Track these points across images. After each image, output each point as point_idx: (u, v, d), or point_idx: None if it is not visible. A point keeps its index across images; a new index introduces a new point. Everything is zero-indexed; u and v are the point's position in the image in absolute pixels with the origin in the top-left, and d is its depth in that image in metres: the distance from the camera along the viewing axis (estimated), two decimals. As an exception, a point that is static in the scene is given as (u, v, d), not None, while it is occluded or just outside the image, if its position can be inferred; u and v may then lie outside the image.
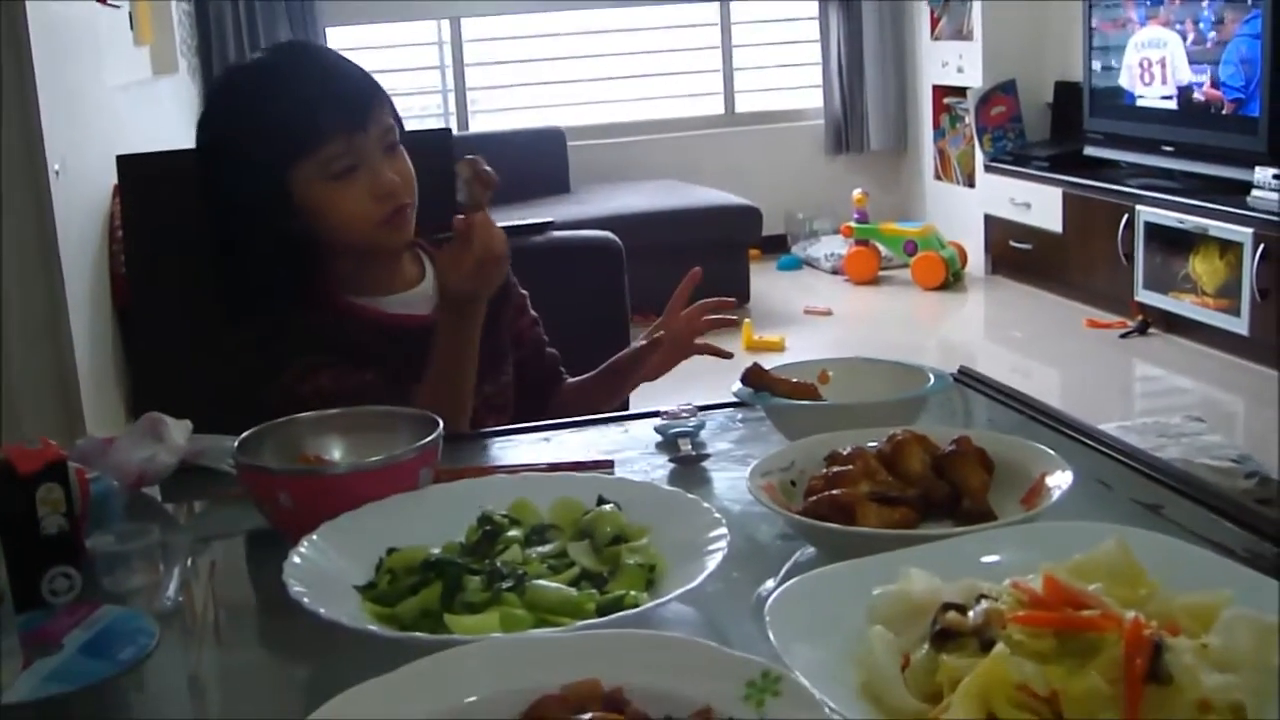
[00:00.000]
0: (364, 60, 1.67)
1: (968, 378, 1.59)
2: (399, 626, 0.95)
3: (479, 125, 6.85)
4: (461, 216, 1.51)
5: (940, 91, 6.59)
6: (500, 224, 1.55)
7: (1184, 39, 5.02)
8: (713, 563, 0.97)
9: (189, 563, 1.17)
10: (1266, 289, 4.38)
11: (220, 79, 1.74)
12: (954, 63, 6.38)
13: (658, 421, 1.44)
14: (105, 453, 1.30)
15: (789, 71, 7.14)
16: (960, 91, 6.38)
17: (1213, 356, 4.75)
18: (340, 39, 6.39)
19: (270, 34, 6.13)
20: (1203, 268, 4.72)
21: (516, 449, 1.48)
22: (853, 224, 6.33)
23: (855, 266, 6.26)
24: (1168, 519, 1.14)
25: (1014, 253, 5.98)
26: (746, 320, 5.24)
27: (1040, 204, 5.71)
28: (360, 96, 1.58)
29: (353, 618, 0.94)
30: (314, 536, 1.04)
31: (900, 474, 1.11)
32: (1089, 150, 5.58)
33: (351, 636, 0.91)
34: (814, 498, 1.08)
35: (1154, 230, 4.96)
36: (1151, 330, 5.07)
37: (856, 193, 6.34)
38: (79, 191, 3.27)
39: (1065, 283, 5.66)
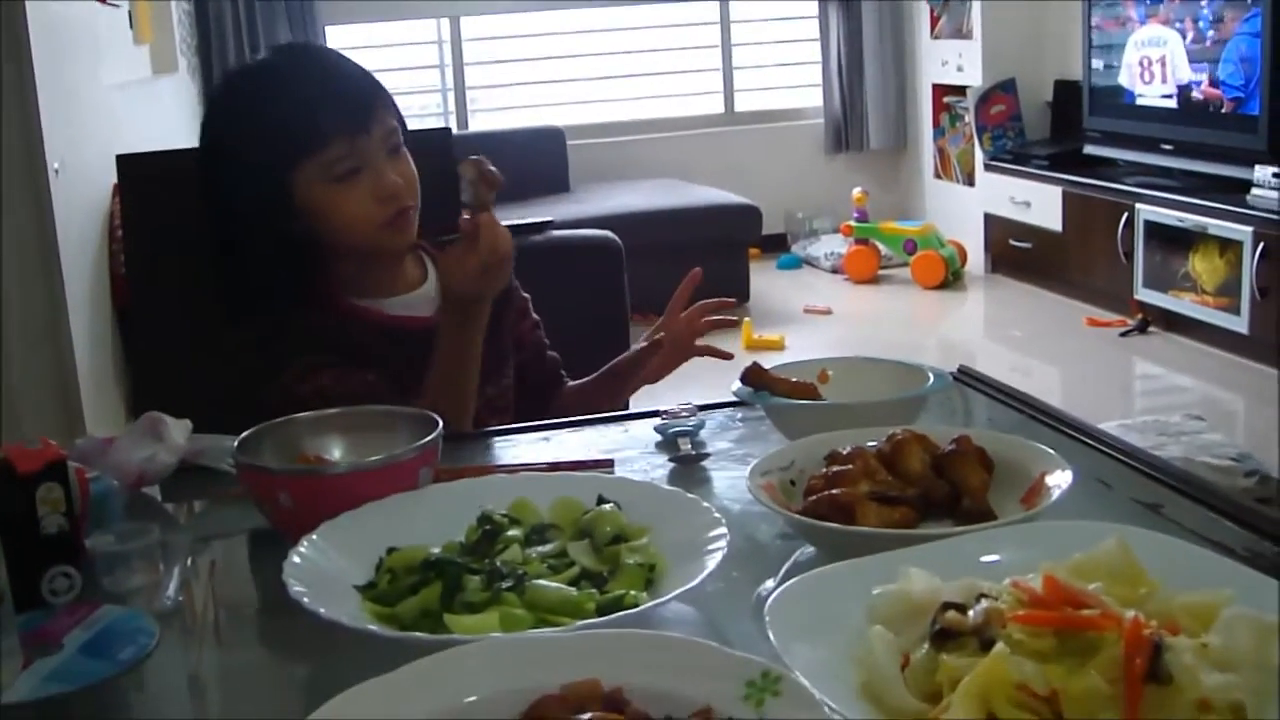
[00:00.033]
0: (363, 59, 1.67)
1: (967, 377, 1.59)
2: (399, 626, 0.95)
3: (478, 124, 6.85)
4: (467, 217, 1.50)
5: (940, 90, 6.59)
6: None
7: (1183, 37, 5.02)
8: (712, 562, 0.97)
9: (189, 562, 1.17)
10: (1266, 287, 4.38)
11: (223, 81, 1.74)
12: (954, 61, 6.38)
13: (657, 421, 1.44)
14: (105, 452, 1.30)
15: (788, 70, 7.14)
16: (960, 90, 6.38)
17: (1212, 355, 4.75)
18: (340, 38, 6.40)
19: (270, 33, 6.13)
20: (1202, 266, 4.72)
21: (516, 448, 1.48)
22: (852, 223, 6.33)
23: (855, 265, 6.26)
24: (1168, 518, 1.14)
25: (1014, 251, 5.98)
26: (746, 319, 5.24)
27: (1040, 203, 5.71)
28: (363, 98, 1.58)
29: (353, 617, 0.94)
30: (314, 536, 1.04)
31: (900, 473, 1.11)
32: (1089, 149, 5.58)
33: (351, 636, 0.91)
34: (814, 497, 1.08)
35: (1154, 229, 4.97)
36: (1151, 329, 5.07)
37: (856, 192, 6.34)
38: (79, 191, 3.27)
39: (1065, 281, 5.66)
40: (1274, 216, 4.36)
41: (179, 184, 1.83)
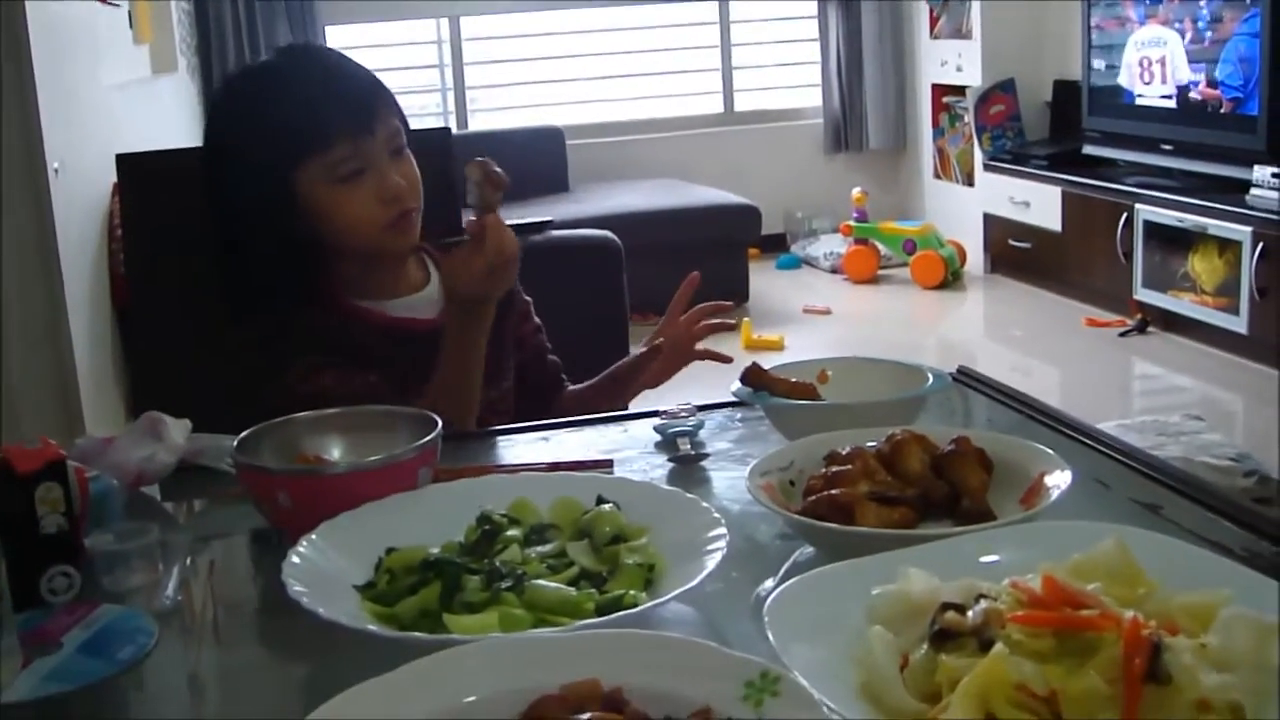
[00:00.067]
0: (363, 59, 1.67)
1: (967, 377, 1.59)
2: (398, 626, 0.95)
3: (478, 124, 6.85)
4: (472, 219, 1.51)
5: (939, 90, 6.59)
6: (499, 224, 1.56)
7: (1182, 37, 5.02)
8: (712, 562, 0.97)
9: (188, 562, 1.17)
10: (1265, 287, 4.38)
11: (227, 82, 1.74)
12: (953, 61, 6.39)
13: (657, 421, 1.44)
14: (104, 452, 1.30)
15: (788, 70, 7.14)
16: (959, 90, 6.38)
17: (1212, 355, 4.75)
18: (339, 38, 6.40)
19: (270, 33, 6.14)
20: (1202, 266, 4.72)
21: (516, 448, 1.48)
22: (852, 223, 6.33)
23: (854, 265, 6.26)
24: (1166, 518, 1.14)
25: (1013, 251, 5.98)
26: (746, 319, 5.24)
27: (1039, 203, 5.71)
28: (367, 100, 1.58)
29: (352, 617, 0.94)
30: (313, 536, 1.04)
31: (899, 474, 1.11)
32: (1088, 149, 5.58)
33: (350, 636, 0.91)
34: (813, 497, 1.08)
35: (1153, 229, 4.97)
36: (1150, 329, 5.07)
37: (855, 192, 6.34)
38: (78, 190, 3.27)
39: (1064, 281, 5.66)
40: (1273, 217, 4.36)
41: (179, 184, 1.83)
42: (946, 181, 6.65)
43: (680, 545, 1.02)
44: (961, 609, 0.78)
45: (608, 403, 1.81)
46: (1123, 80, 5.38)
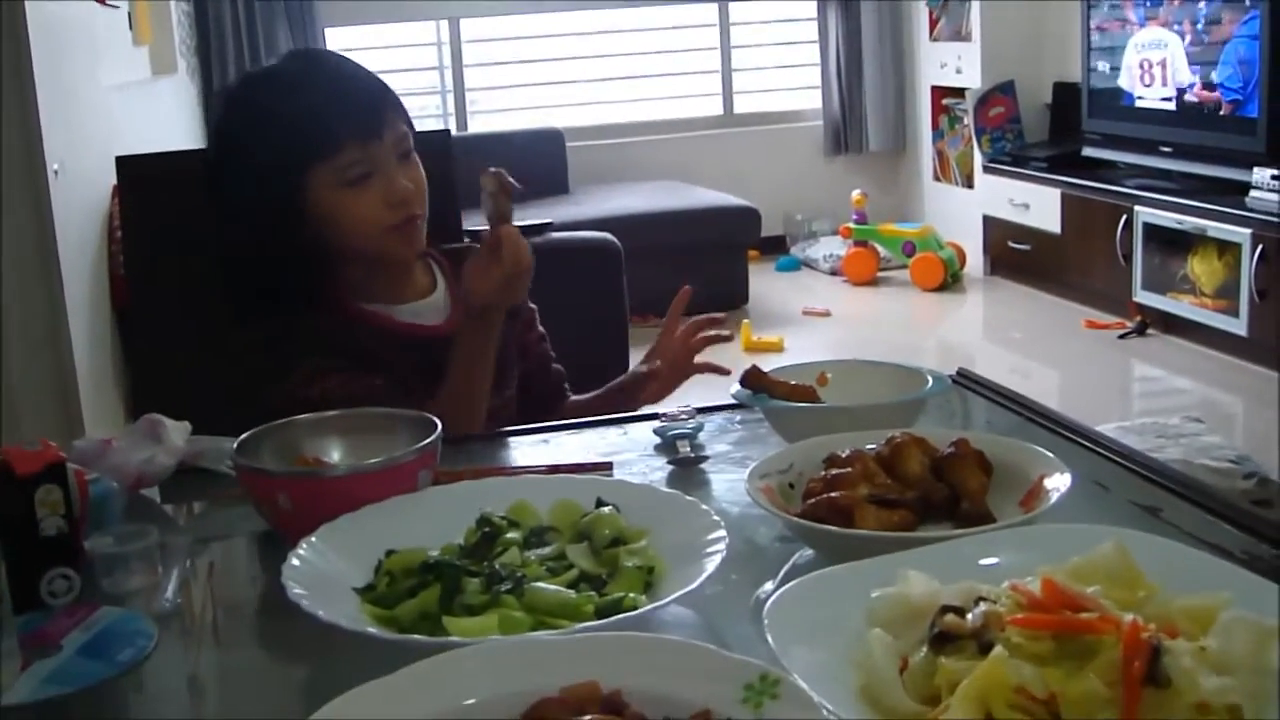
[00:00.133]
0: (363, 61, 1.67)
1: (966, 380, 1.59)
2: (398, 629, 0.95)
3: (478, 126, 6.85)
4: (488, 229, 1.53)
5: (939, 92, 6.60)
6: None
7: (1182, 39, 5.03)
8: (711, 565, 0.97)
9: (188, 564, 1.17)
10: (1265, 289, 4.38)
11: (234, 86, 1.74)
12: (952, 63, 6.39)
13: (656, 423, 1.44)
14: (104, 454, 1.30)
15: (787, 72, 7.14)
16: (959, 92, 6.38)
17: (1211, 357, 4.75)
18: (339, 39, 6.40)
19: (269, 35, 6.14)
20: (1201, 268, 4.72)
21: (516, 451, 1.48)
22: (851, 225, 6.33)
23: (854, 267, 6.26)
24: (1166, 521, 1.14)
25: (1012, 253, 5.98)
26: (745, 321, 5.24)
27: (1039, 205, 5.71)
28: (375, 104, 1.59)
29: (351, 620, 0.94)
30: (313, 538, 1.04)
31: (899, 476, 1.11)
32: (1087, 151, 5.58)
33: (350, 638, 0.91)
34: (812, 500, 1.08)
35: (1152, 231, 4.97)
36: (1150, 331, 5.07)
37: (855, 194, 6.34)
38: (78, 192, 3.27)
39: (1064, 283, 5.66)
40: (1273, 219, 4.36)
41: (178, 185, 1.83)
42: (946, 183, 6.66)
43: (680, 548, 1.02)
44: (961, 612, 0.78)
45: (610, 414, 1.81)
46: (1123, 82, 5.38)
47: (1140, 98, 5.29)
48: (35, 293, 2.96)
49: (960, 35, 6.32)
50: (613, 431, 1.51)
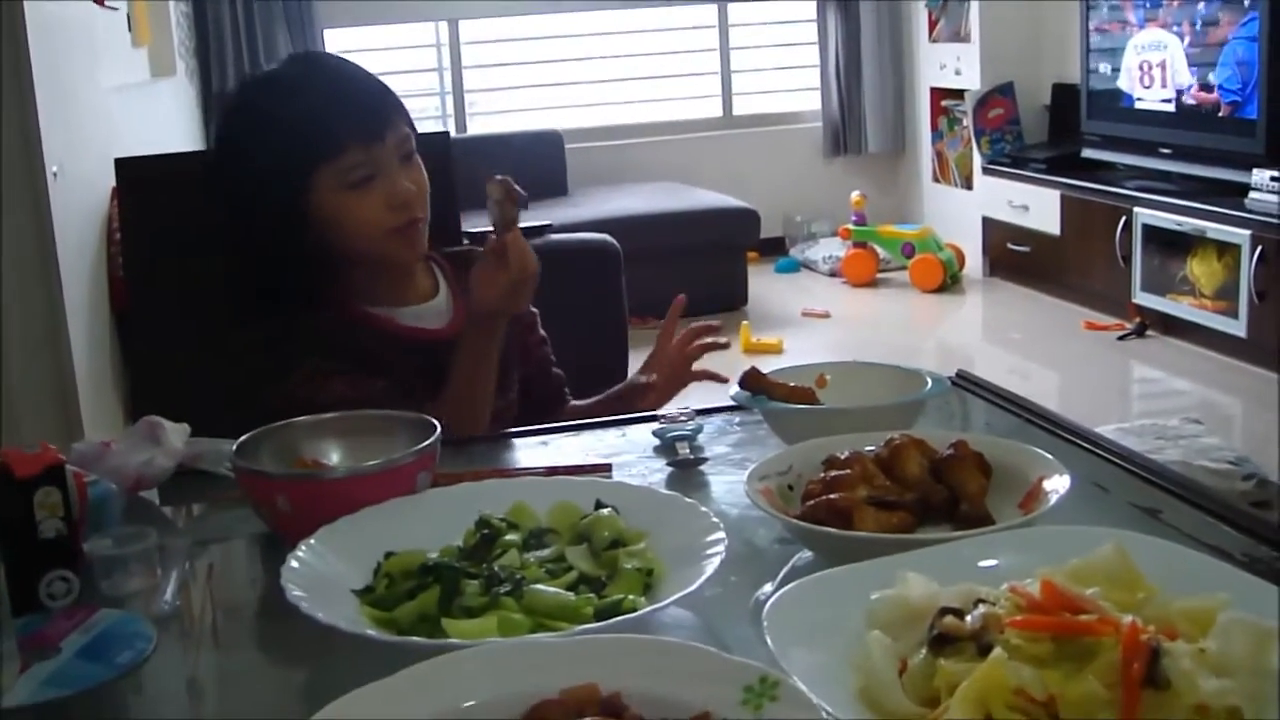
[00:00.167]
0: (362, 63, 1.67)
1: (965, 381, 1.59)
2: (397, 631, 0.95)
3: (477, 127, 6.85)
4: (494, 236, 1.54)
5: (938, 94, 6.60)
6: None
7: (1182, 41, 5.03)
8: (710, 567, 0.97)
9: (187, 566, 1.17)
10: (1264, 291, 4.38)
11: (237, 89, 1.75)
12: (952, 65, 6.39)
13: (655, 425, 1.44)
14: (103, 456, 1.30)
15: (787, 74, 7.15)
16: (958, 94, 6.38)
17: (1210, 358, 4.75)
18: (338, 41, 6.40)
19: (268, 36, 6.14)
20: (1200, 270, 4.72)
21: (515, 452, 1.48)
22: (850, 226, 6.33)
23: (853, 269, 6.27)
24: (1165, 523, 1.14)
25: (1012, 255, 5.98)
26: (744, 323, 5.25)
27: (1038, 206, 5.71)
28: (378, 106, 1.59)
29: (350, 622, 0.94)
30: (312, 540, 1.04)
31: (898, 478, 1.11)
32: (1086, 152, 5.58)
33: (349, 640, 0.91)
34: (812, 502, 1.08)
35: (1152, 232, 4.97)
36: (1149, 332, 5.07)
37: (854, 195, 6.34)
38: (77, 194, 3.26)
39: (1063, 285, 5.67)
40: (1272, 220, 4.37)
41: (177, 187, 1.83)
42: (945, 185, 6.66)
43: (679, 550, 1.02)
44: (960, 614, 0.78)
45: None
46: (1122, 84, 5.38)
47: (1140, 99, 5.29)
48: (34, 294, 2.96)
49: (959, 36, 6.32)
50: (612, 433, 1.51)
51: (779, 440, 1.34)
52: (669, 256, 5.35)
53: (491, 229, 1.55)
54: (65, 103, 3.22)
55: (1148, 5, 5.20)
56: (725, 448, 1.41)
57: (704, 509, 1.08)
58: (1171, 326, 4.99)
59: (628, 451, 1.42)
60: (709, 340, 1.76)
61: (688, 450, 1.37)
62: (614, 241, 2.46)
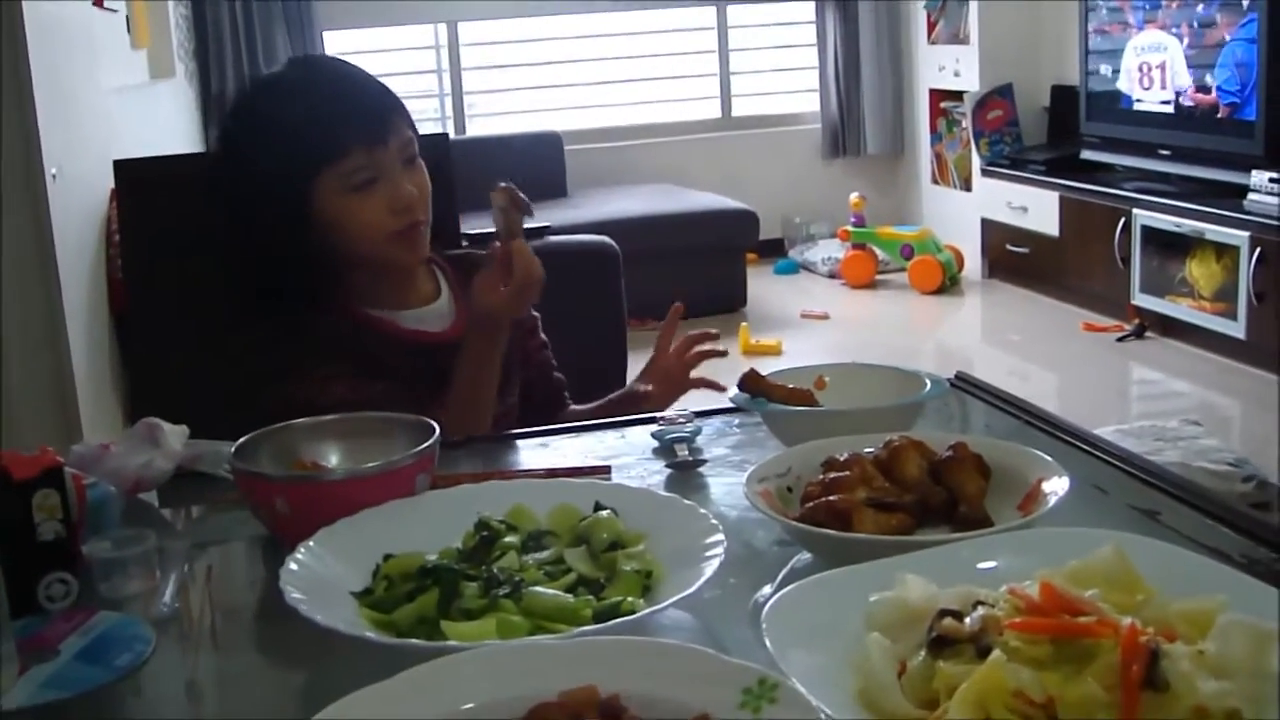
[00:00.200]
0: (361, 64, 1.67)
1: (964, 383, 1.59)
2: (395, 633, 0.95)
3: (476, 129, 6.85)
4: (498, 244, 1.55)
5: (937, 95, 6.60)
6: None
7: (1181, 42, 5.03)
8: (709, 569, 0.97)
9: (186, 568, 1.17)
10: (1263, 292, 4.38)
11: (239, 93, 1.76)
12: (950, 66, 6.39)
13: (655, 427, 1.44)
14: (102, 458, 1.30)
15: (786, 75, 7.15)
16: (957, 95, 6.38)
17: (1209, 360, 4.75)
18: (337, 43, 6.40)
19: (267, 38, 6.14)
20: (1199, 271, 4.72)
21: (514, 454, 1.48)
22: (849, 228, 6.33)
23: (852, 270, 6.27)
24: (1164, 524, 1.14)
25: (1011, 256, 5.98)
26: (743, 324, 5.25)
27: (1037, 208, 5.71)
28: (380, 109, 1.59)
29: (349, 624, 0.94)
30: (311, 543, 1.04)
31: (897, 480, 1.11)
32: (1085, 154, 5.59)
33: (348, 643, 0.91)
34: (811, 504, 1.08)
35: (1151, 234, 4.97)
36: (1148, 334, 5.07)
37: (853, 196, 6.34)
38: (76, 196, 3.26)
39: (1062, 286, 5.67)
40: (1271, 222, 4.37)
41: (176, 189, 1.83)
42: (944, 186, 6.66)
43: (678, 551, 1.02)
44: (959, 615, 0.78)
45: None
46: (1122, 85, 5.38)
47: (1139, 100, 5.29)
48: (33, 296, 2.95)
49: (958, 38, 6.32)
50: (611, 435, 1.51)
51: (778, 442, 1.34)
52: (668, 258, 5.35)
53: (494, 233, 1.56)
54: (64, 104, 3.22)
55: (1147, 7, 5.21)
56: (724, 450, 1.41)
57: (703, 511, 1.08)
58: (1170, 328, 4.99)
59: (627, 453, 1.42)
60: (707, 348, 1.76)
61: (686, 452, 1.38)
62: (613, 243, 2.46)
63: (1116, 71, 5.41)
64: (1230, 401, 4.47)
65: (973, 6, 6.16)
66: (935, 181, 6.73)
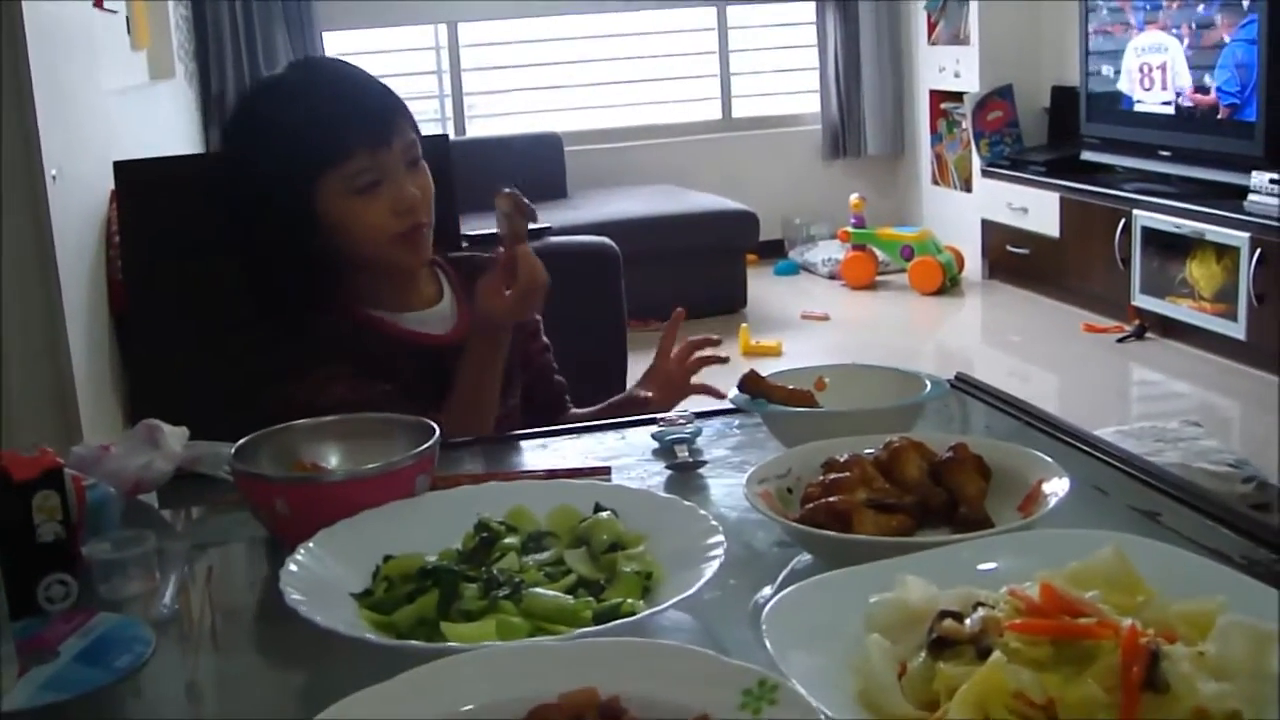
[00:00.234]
0: (361, 65, 1.67)
1: (964, 384, 1.59)
2: (395, 634, 0.95)
3: (476, 130, 6.85)
4: (502, 249, 1.56)
5: (937, 96, 6.60)
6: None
7: (1182, 43, 5.03)
8: (709, 570, 0.97)
9: (185, 570, 1.17)
10: (1263, 293, 4.38)
11: (242, 95, 1.76)
12: (951, 67, 6.39)
13: (655, 428, 1.44)
14: (102, 460, 1.30)
15: (786, 76, 7.15)
16: (957, 96, 6.38)
17: (1210, 361, 4.75)
18: (337, 44, 6.40)
19: (268, 39, 6.14)
20: (1200, 272, 4.72)
21: (514, 455, 1.48)
22: (850, 229, 6.33)
23: (852, 271, 6.27)
24: (1165, 526, 1.14)
25: (1011, 257, 5.98)
26: (744, 325, 5.25)
27: (1037, 209, 5.71)
28: (384, 112, 1.59)
29: (349, 625, 0.94)
30: (310, 544, 1.04)
31: (897, 481, 1.11)
32: (1086, 155, 5.59)
33: (348, 644, 0.91)
34: (811, 505, 1.08)
35: (1151, 235, 4.97)
36: (1148, 335, 5.07)
37: (853, 197, 6.34)
38: (76, 197, 3.26)
39: (1062, 287, 5.67)
40: (1271, 223, 4.37)
41: (176, 190, 1.83)
42: (944, 187, 6.66)
43: (678, 553, 1.02)
44: (959, 617, 0.78)
45: None
46: (1122, 86, 5.38)
47: (1139, 101, 5.29)
48: (33, 297, 2.95)
49: (958, 39, 6.32)
50: (611, 436, 1.51)
51: (778, 443, 1.34)
52: (668, 259, 5.36)
53: (496, 235, 1.56)
54: (64, 105, 3.22)
55: (1147, 8, 5.21)
56: (724, 451, 1.41)
57: (703, 512, 1.08)
58: (1171, 329, 4.99)
59: (627, 454, 1.42)
60: (708, 353, 1.76)
61: (687, 453, 1.38)
62: (613, 244, 2.46)
63: (1117, 72, 5.41)
64: (1230, 402, 4.47)
65: (973, 7, 6.17)
66: (935, 182, 6.73)
